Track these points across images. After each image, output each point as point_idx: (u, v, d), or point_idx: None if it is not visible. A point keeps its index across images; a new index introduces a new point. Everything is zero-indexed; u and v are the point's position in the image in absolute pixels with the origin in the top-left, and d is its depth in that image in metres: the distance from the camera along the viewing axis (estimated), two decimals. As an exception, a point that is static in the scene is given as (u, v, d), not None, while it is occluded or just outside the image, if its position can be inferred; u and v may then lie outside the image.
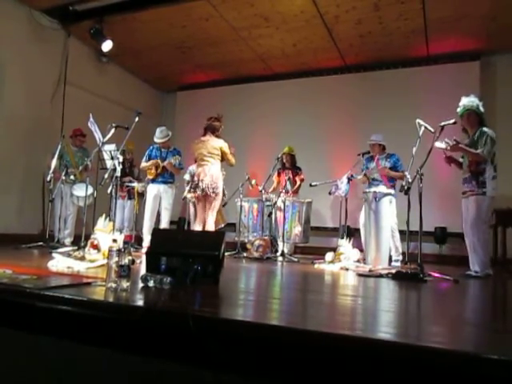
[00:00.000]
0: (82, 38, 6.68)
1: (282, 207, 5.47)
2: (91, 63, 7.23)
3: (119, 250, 1.91)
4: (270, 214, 5.46)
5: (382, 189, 4.78)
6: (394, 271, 3.58)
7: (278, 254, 5.28)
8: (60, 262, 2.91)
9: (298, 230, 5.77)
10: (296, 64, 7.41)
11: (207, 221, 4.80)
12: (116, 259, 1.89)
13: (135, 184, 6.07)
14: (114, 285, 1.88)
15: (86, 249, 3.52)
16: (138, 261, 3.08)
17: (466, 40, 6.34)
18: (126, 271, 1.90)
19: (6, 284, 1.89)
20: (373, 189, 4.81)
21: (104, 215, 3.74)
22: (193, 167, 6.02)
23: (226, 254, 2.87)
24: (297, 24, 6.09)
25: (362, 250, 4.77)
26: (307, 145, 7.09)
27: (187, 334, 1.38)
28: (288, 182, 6.07)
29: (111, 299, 1.75)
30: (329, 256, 4.63)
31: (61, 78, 6.60)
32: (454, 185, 4.61)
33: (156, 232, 2.77)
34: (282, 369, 1.28)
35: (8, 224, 5.68)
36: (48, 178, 5.22)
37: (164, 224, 5.56)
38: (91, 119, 4.55)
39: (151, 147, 5.68)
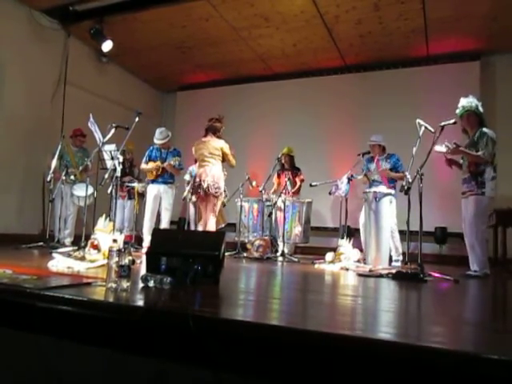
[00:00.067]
0: (82, 38, 6.68)
1: (282, 207, 5.47)
2: (91, 63, 7.24)
3: (119, 250, 1.91)
4: (270, 214, 5.46)
5: (382, 189, 4.78)
6: (394, 271, 3.58)
7: (278, 254, 5.28)
8: (60, 262, 2.91)
9: (298, 230, 5.77)
10: (296, 64, 7.41)
11: (208, 221, 4.80)
12: (116, 259, 1.89)
13: (135, 184, 6.08)
14: (114, 285, 1.88)
15: (86, 249, 3.52)
16: (138, 261, 3.08)
17: (466, 40, 6.34)
18: (126, 271, 1.90)
19: (6, 284, 1.88)
20: (373, 189, 4.81)
21: (104, 215, 3.74)
22: (193, 167, 6.03)
23: (226, 254, 2.87)
24: (297, 24, 6.10)
25: (362, 250, 4.77)
26: (307, 145, 7.10)
27: (187, 334, 1.38)
28: (288, 183, 6.07)
29: (111, 299, 1.75)
30: (329, 256, 4.63)
31: (61, 78, 6.60)
32: (455, 185, 4.61)
33: (156, 232, 2.77)
34: (282, 369, 1.28)
35: (8, 224, 5.68)
36: (48, 178, 5.22)
37: (164, 224, 5.56)
38: (91, 119, 4.55)
39: (151, 148, 5.68)
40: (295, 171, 6.27)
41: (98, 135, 4.53)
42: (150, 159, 5.62)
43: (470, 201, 4.01)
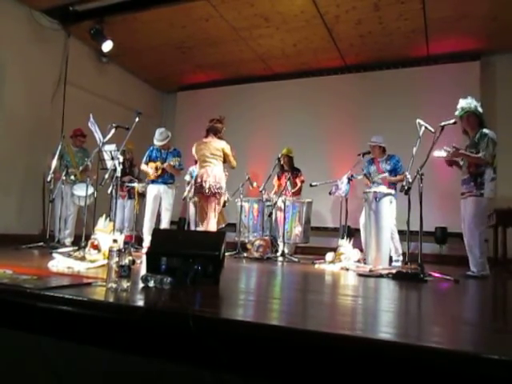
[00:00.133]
0: (82, 38, 6.68)
1: (283, 207, 5.47)
2: (91, 63, 7.24)
3: (119, 251, 1.91)
4: (270, 214, 5.46)
5: (382, 189, 4.78)
6: (394, 271, 3.58)
7: (279, 254, 5.28)
8: (60, 263, 2.91)
9: (298, 230, 5.77)
10: (296, 64, 7.41)
11: (209, 221, 4.80)
12: (116, 259, 1.89)
13: (135, 184, 6.08)
14: (114, 285, 1.88)
15: (87, 249, 3.52)
16: (138, 261, 3.08)
17: (466, 40, 6.34)
18: (126, 271, 1.90)
19: (6, 284, 1.88)
20: (373, 189, 4.81)
21: (104, 215, 3.74)
22: (193, 168, 6.03)
23: (227, 254, 2.87)
24: (297, 24, 6.10)
25: (362, 250, 4.77)
26: (307, 145, 7.10)
27: (187, 334, 1.38)
28: (288, 183, 6.07)
29: (111, 299, 1.75)
30: (329, 256, 4.63)
31: (61, 78, 6.60)
32: (455, 185, 4.60)
33: (156, 232, 2.77)
34: (282, 369, 1.28)
35: (8, 224, 5.68)
36: (48, 178, 5.22)
37: (164, 224, 5.57)
38: (91, 119, 4.55)
39: (151, 148, 5.68)
40: (295, 172, 6.25)
41: (98, 135, 4.53)
42: (150, 159, 5.63)
43: (468, 202, 4.01)
